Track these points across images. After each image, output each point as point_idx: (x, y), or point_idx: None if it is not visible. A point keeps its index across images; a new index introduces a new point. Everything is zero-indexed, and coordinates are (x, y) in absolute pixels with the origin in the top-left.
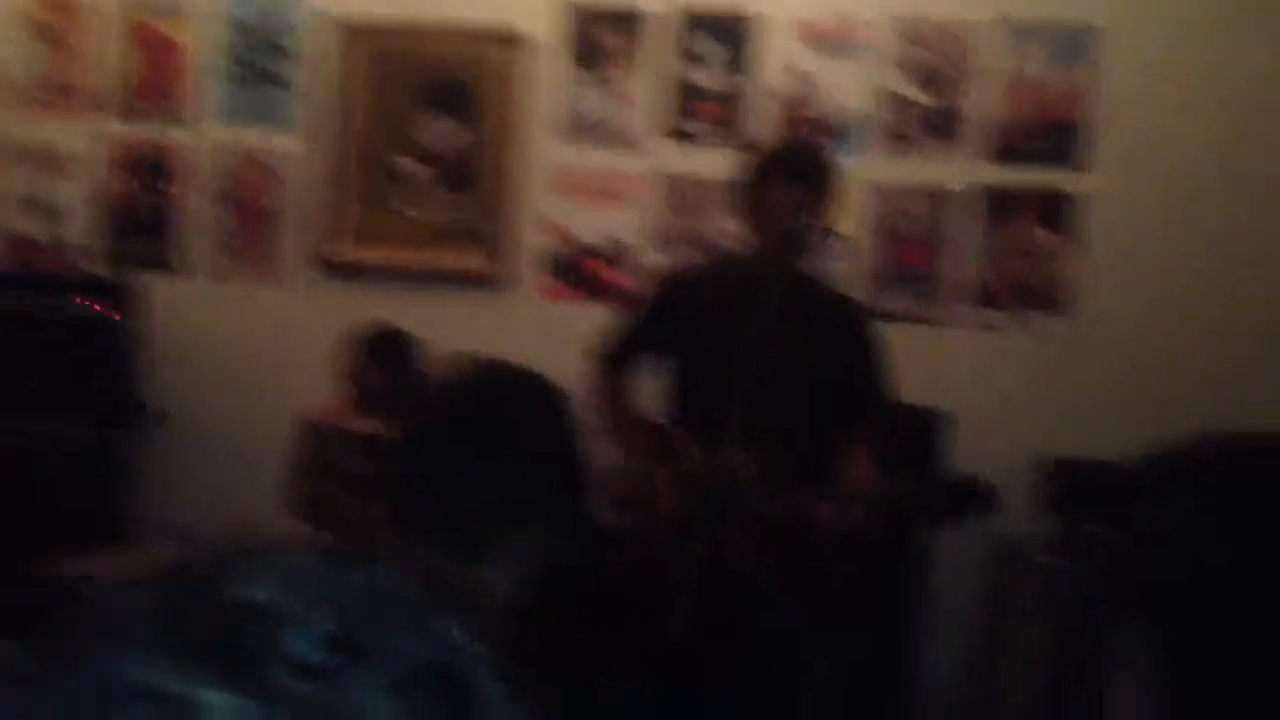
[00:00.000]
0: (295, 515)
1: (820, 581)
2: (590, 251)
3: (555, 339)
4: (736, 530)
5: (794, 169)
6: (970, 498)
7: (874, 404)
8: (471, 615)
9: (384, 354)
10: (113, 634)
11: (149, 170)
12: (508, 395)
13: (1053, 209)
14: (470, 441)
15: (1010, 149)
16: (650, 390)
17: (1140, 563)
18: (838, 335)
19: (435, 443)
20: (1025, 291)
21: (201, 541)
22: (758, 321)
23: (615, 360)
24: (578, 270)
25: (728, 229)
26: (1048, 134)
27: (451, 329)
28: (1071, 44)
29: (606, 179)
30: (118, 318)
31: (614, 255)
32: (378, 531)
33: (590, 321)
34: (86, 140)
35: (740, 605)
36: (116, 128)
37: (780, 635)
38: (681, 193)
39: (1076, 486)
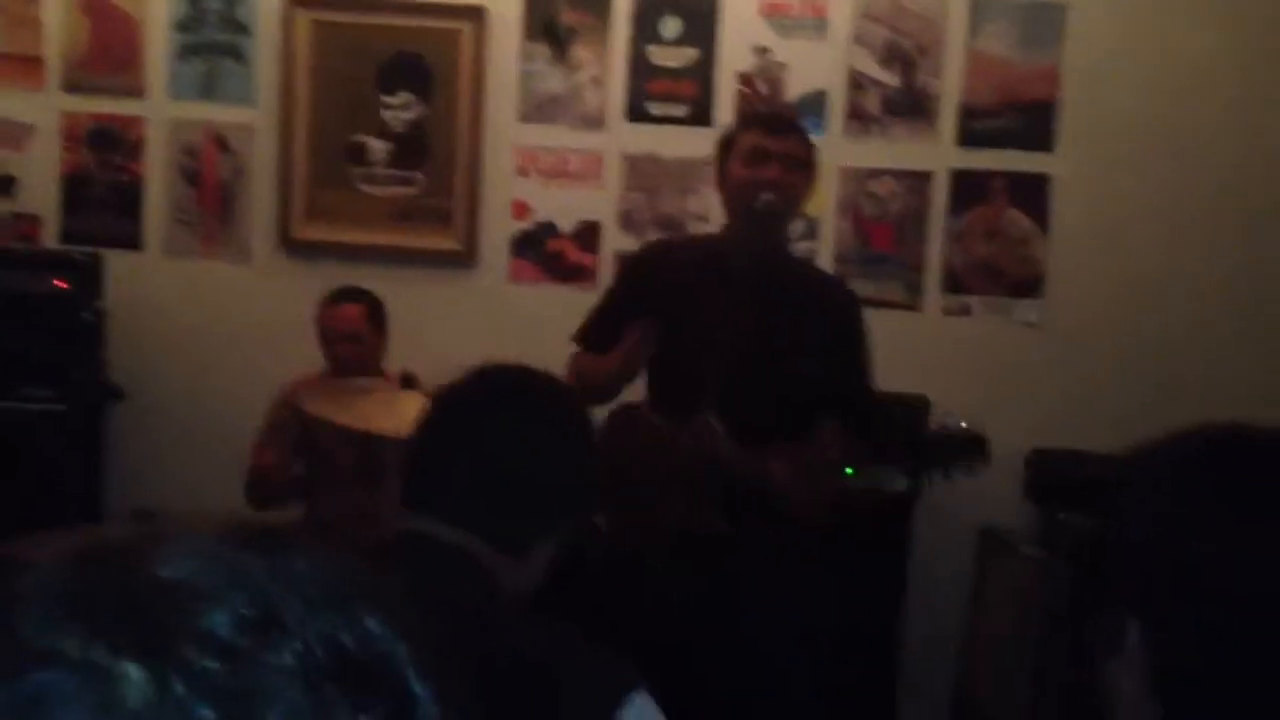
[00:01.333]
0: (253, 488)
1: (786, 552)
2: (554, 231)
3: (520, 318)
4: (707, 500)
5: (769, 132)
6: (957, 448)
7: (855, 391)
8: (396, 610)
9: (357, 294)
10: (22, 602)
11: (105, 143)
12: (540, 394)
13: (1023, 191)
14: (505, 433)
15: (978, 130)
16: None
17: (1120, 555)
18: (820, 317)
19: (467, 429)
20: (995, 275)
21: (121, 523)
22: (733, 297)
23: (590, 344)
24: (542, 250)
25: (691, 209)
26: (1016, 115)
27: (415, 308)
28: (1039, 23)
29: (569, 158)
30: (75, 293)
31: (578, 235)
32: (358, 516)
33: (555, 301)
34: (39, 112)
35: (716, 578)
36: (69, 99)
37: (752, 609)
38: (644, 172)
39: (1055, 476)
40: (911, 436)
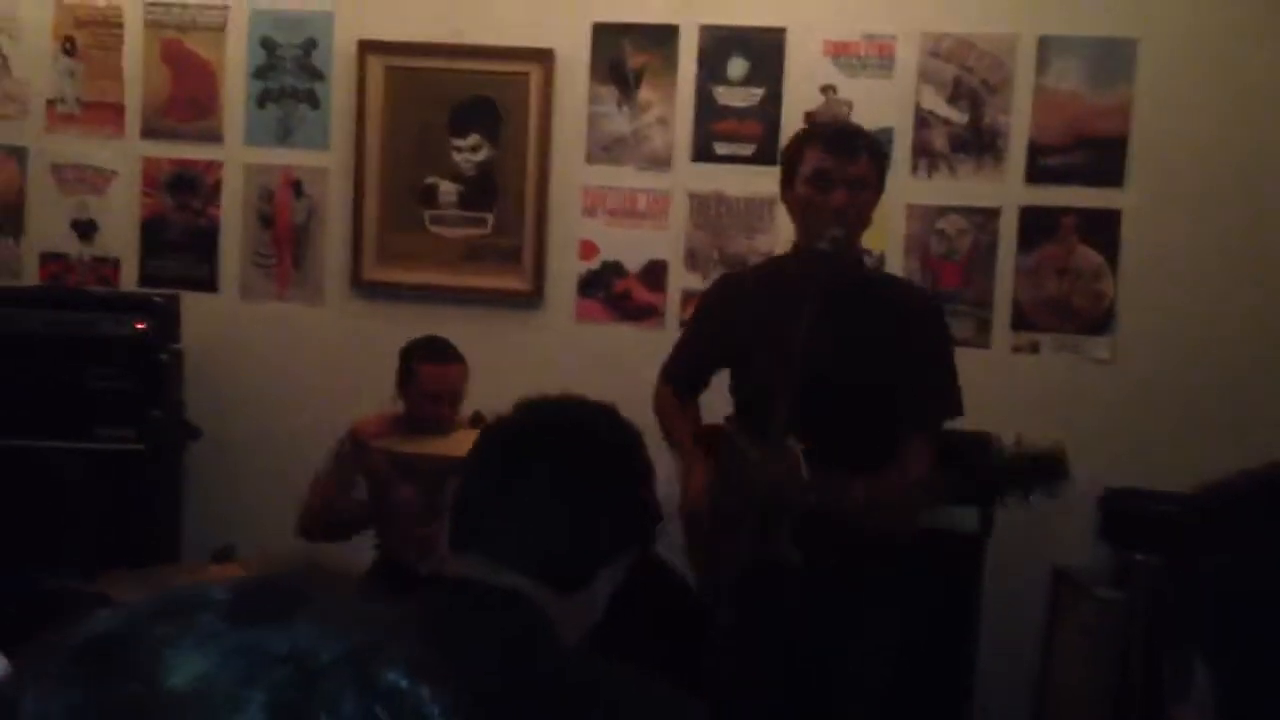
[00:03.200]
0: (306, 524)
1: (862, 577)
2: (621, 270)
3: (586, 358)
4: (782, 526)
5: (834, 153)
6: (1035, 466)
7: (935, 401)
8: (415, 656)
9: (455, 351)
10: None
11: (183, 188)
12: (589, 424)
13: (1092, 227)
14: (554, 467)
15: (1047, 166)
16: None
17: (1187, 595)
18: (899, 329)
19: (516, 465)
20: (1065, 312)
21: (126, 604)
22: (807, 315)
23: (675, 377)
24: (608, 289)
25: (758, 247)
26: (1086, 150)
27: (483, 347)
28: (1108, 58)
29: (636, 198)
30: (152, 335)
31: (645, 274)
32: (423, 551)
33: (621, 340)
34: (120, 158)
35: (785, 605)
36: (149, 146)
37: (825, 637)
38: (710, 211)
39: (1129, 516)
40: (987, 460)
